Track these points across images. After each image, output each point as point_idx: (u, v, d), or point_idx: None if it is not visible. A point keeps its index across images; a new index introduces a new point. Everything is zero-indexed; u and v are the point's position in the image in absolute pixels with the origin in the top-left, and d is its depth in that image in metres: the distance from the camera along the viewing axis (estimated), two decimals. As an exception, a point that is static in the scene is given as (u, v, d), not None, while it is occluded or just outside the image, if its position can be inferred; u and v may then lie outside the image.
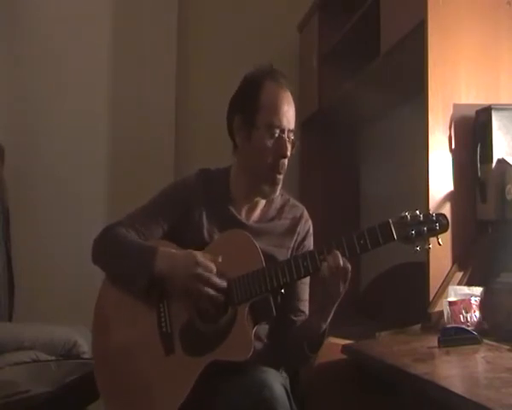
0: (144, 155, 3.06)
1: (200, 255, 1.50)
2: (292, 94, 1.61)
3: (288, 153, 1.58)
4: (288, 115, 1.58)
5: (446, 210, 1.80)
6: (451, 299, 1.73)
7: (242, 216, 1.64)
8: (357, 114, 2.92)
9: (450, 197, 1.84)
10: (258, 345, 1.53)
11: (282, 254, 1.60)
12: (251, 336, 1.45)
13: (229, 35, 3.24)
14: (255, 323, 1.49)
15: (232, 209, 1.63)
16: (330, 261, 1.41)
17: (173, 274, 1.51)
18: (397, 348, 1.63)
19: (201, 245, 1.58)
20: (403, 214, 1.43)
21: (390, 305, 2.25)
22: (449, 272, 1.81)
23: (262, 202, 1.66)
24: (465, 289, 1.76)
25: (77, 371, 2.03)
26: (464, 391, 1.18)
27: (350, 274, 1.42)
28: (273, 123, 1.56)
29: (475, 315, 1.70)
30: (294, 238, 1.65)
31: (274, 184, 1.60)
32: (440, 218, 1.42)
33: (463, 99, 1.87)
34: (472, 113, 1.85)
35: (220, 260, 1.51)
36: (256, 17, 3.24)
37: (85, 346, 2.18)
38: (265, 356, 1.54)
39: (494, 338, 1.60)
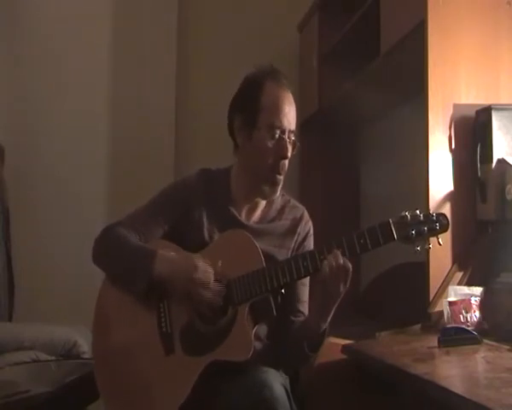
0: (144, 155, 3.06)
1: (199, 260, 1.50)
2: (293, 94, 1.61)
3: (289, 154, 1.58)
4: (289, 116, 1.58)
5: (446, 210, 1.80)
6: (451, 299, 1.73)
7: (243, 217, 1.64)
8: (357, 114, 2.92)
9: (450, 197, 1.84)
10: (259, 345, 1.53)
11: (283, 255, 1.60)
12: (251, 336, 1.45)
13: (229, 35, 3.24)
14: (255, 323, 1.49)
15: (233, 210, 1.63)
16: (331, 260, 1.41)
17: (173, 278, 1.51)
18: (397, 348, 1.63)
19: (201, 245, 1.58)
20: (403, 214, 1.43)
21: (390, 305, 2.25)
22: (449, 272, 1.81)
23: (262, 203, 1.66)
24: (465, 289, 1.76)
25: (77, 371, 2.03)
26: (464, 391, 1.18)
27: (350, 274, 1.42)
28: (274, 124, 1.56)
29: (475, 315, 1.70)
30: (295, 239, 1.65)
31: (274, 184, 1.59)
32: (440, 218, 1.43)
33: (463, 99, 1.87)
34: (472, 113, 1.85)
35: (220, 264, 1.51)
36: (256, 17, 3.24)
37: (85, 346, 2.18)
38: (265, 356, 1.54)
39: (494, 338, 1.60)
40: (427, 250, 1.54)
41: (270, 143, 1.56)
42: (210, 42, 3.26)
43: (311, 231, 1.69)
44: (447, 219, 1.42)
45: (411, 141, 2.19)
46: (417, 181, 1.89)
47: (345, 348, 1.72)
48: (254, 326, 1.48)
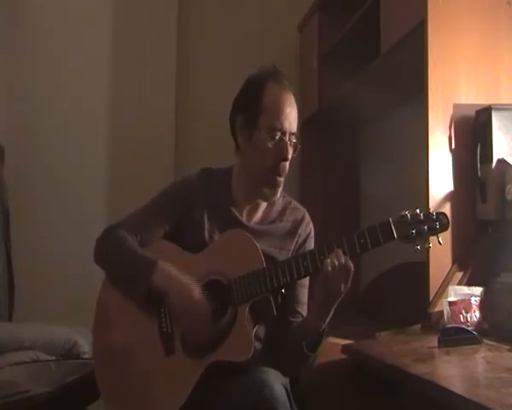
0: (144, 155, 3.06)
1: (196, 290, 1.50)
2: (294, 96, 1.60)
3: (289, 156, 1.57)
4: (290, 118, 1.57)
5: (446, 210, 1.79)
6: (451, 299, 1.73)
7: (244, 217, 1.64)
8: (357, 114, 2.92)
9: (450, 197, 1.84)
10: (259, 345, 1.53)
11: (283, 257, 1.59)
12: (251, 336, 1.45)
13: (229, 35, 3.24)
14: (255, 323, 1.49)
15: (234, 210, 1.63)
16: (333, 259, 1.40)
17: (167, 295, 1.50)
18: (397, 348, 1.63)
19: (202, 245, 1.58)
20: (403, 213, 1.43)
21: (390, 305, 2.25)
22: (449, 272, 1.81)
23: (263, 204, 1.66)
24: (465, 289, 1.76)
25: (77, 371, 2.03)
26: (464, 391, 1.18)
27: (352, 274, 1.42)
28: (275, 126, 1.55)
29: (475, 315, 1.70)
30: (295, 241, 1.65)
31: (274, 186, 1.59)
32: (441, 217, 1.42)
33: (463, 99, 1.87)
34: (472, 113, 1.85)
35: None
36: (256, 17, 3.24)
37: (85, 346, 2.17)
38: (266, 356, 1.54)
39: (494, 338, 1.60)
40: (427, 249, 1.54)
41: (270, 144, 1.56)
42: (210, 42, 3.26)
43: (312, 233, 1.69)
44: (447, 218, 1.42)
45: (411, 141, 2.19)
46: (417, 181, 1.89)
47: (345, 348, 1.72)
48: (254, 326, 1.48)
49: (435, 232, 1.42)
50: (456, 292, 1.76)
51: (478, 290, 1.74)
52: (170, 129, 3.17)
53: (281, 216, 1.67)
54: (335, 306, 1.47)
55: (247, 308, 1.47)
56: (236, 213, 1.63)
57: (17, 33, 2.99)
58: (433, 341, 1.58)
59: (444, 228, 1.42)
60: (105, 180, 3.10)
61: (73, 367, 2.07)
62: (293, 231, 1.65)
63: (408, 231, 1.41)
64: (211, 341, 1.47)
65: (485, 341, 1.58)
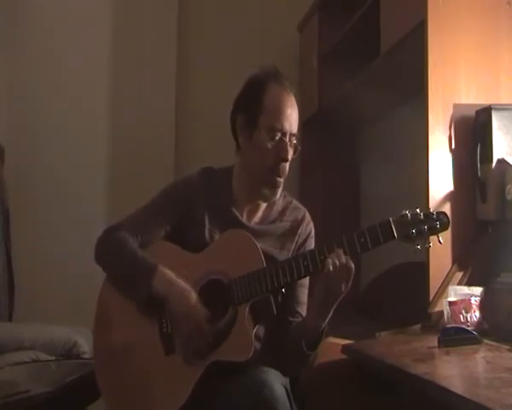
0: (144, 155, 3.06)
1: (195, 299, 1.50)
2: (295, 97, 1.60)
3: (289, 156, 1.57)
4: (291, 119, 1.57)
5: (446, 210, 1.79)
6: (451, 299, 1.73)
7: (244, 217, 1.64)
8: (357, 114, 2.92)
9: (450, 197, 1.84)
10: (259, 345, 1.53)
11: (283, 257, 1.59)
12: (251, 336, 1.45)
13: (229, 35, 3.24)
14: (256, 323, 1.49)
15: (234, 210, 1.63)
16: (334, 259, 1.40)
17: (167, 301, 1.51)
18: (397, 348, 1.63)
19: (202, 245, 1.58)
20: (403, 213, 1.43)
21: (390, 305, 2.25)
22: (449, 271, 1.81)
23: (264, 204, 1.66)
24: (465, 289, 1.76)
25: (77, 371, 2.03)
26: (464, 391, 1.18)
27: (353, 273, 1.42)
28: (275, 126, 1.55)
29: (475, 315, 1.70)
30: (295, 240, 1.65)
31: (274, 187, 1.59)
32: (441, 216, 1.42)
33: (463, 99, 1.87)
34: (472, 113, 1.85)
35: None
36: (256, 17, 3.24)
37: (85, 346, 2.17)
38: (266, 356, 1.54)
39: (494, 338, 1.60)
40: (428, 249, 1.54)
41: (270, 145, 1.56)
42: (210, 42, 3.26)
43: (313, 233, 1.69)
44: (447, 218, 1.42)
45: (411, 141, 2.19)
46: (417, 181, 1.89)
47: (345, 348, 1.72)
48: (255, 326, 1.48)
49: (435, 232, 1.42)
50: (456, 292, 1.76)
51: (478, 290, 1.74)
52: (170, 129, 3.17)
53: (281, 216, 1.66)
54: (335, 305, 1.47)
55: (247, 308, 1.47)
56: (237, 213, 1.63)
57: (17, 33, 2.99)
58: (433, 341, 1.58)
59: (444, 228, 1.42)
60: (105, 180, 3.10)
61: (73, 367, 2.06)
62: (293, 231, 1.65)
63: (408, 230, 1.41)
64: (211, 341, 1.47)
65: (485, 341, 1.58)
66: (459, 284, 1.81)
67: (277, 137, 1.56)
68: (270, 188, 1.59)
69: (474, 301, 1.71)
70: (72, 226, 2.94)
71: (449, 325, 1.66)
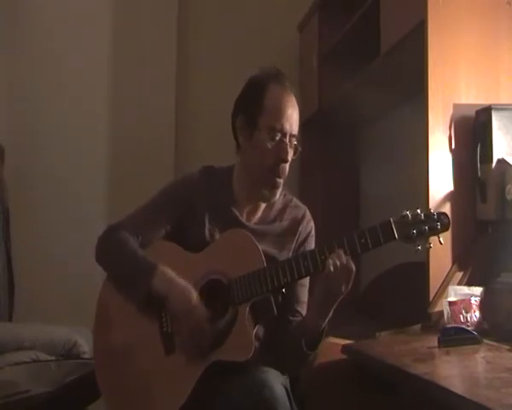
0: (144, 155, 3.06)
1: (195, 297, 1.50)
2: (296, 98, 1.60)
3: (289, 157, 1.57)
4: (291, 119, 1.57)
5: (446, 210, 1.79)
6: (451, 299, 1.73)
7: (244, 218, 1.64)
8: (357, 114, 2.92)
9: (450, 197, 1.84)
10: (259, 345, 1.53)
11: (283, 256, 1.59)
12: (252, 336, 1.45)
13: (229, 35, 3.24)
14: (256, 323, 1.49)
15: (235, 211, 1.63)
16: (335, 260, 1.40)
17: (168, 300, 1.50)
18: (397, 348, 1.63)
19: (202, 244, 1.58)
20: (404, 213, 1.42)
21: (390, 305, 2.25)
22: (449, 272, 1.81)
23: (263, 204, 1.66)
24: (465, 289, 1.76)
25: (77, 371, 2.03)
26: (464, 391, 1.18)
27: (353, 275, 1.42)
28: (275, 127, 1.55)
29: (475, 315, 1.70)
30: (295, 239, 1.64)
31: (274, 187, 1.59)
32: (442, 217, 1.42)
33: (463, 99, 1.87)
34: (472, 113, 1.85)
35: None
36: (256, 17, 3.24)
37: (85, 346, 2.17)
38: (266, 356, 1.54)
39: (494, 338, 1.60)
40: (428, 250, 1.53)
41: (269, 145, 1.56)
42: (210, 42, 3.26)
43: (313, 232, 1.68)
44: (448, 218, 1.42)
45: (411, 141, 2.19)
46: (417, 181, 1.89)
47: (345, 348, 1.72)
48: (255, 326, 1.48)
49: (436, 233, 1.42)
50: (456, 292, 1.76)
51: (478, 290, 1.74)
52: (170, 129, 3.17)
53: (281, 215, 1.66)
54: (335, 306, 1.47)
55: (247, 308, 1.47)
56: (237, 213, 1.63)
57: (17, 33, 2.99)
58: (433, 341, 1.58)
59: (445, 228, 1.42)
60: (105, 180, 3.10)
61: (73, 367, 2.06)
62: (293, 230, 1.65)
63: (409, 231, 1.41)
64: (211, 341, 1.47)
65: (485, 341, 1.58)
66: (459, 284, 1.81)
67: (277, 138, 1.56)
68: (269, 189, 1.59)
69: (474, 301, 1.71)
70: (72, 226, 2.94)
71: (449, 325, 1.66)
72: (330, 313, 1.49)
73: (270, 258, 1.54)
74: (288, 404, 1.37)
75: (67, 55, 3.02)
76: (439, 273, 1.81)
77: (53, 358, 2.11)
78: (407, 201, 1.68)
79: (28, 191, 2.93)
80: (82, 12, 3.06)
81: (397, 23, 2.09)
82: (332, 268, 1.40)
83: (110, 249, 1.62)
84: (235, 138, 1.64)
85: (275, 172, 1.57)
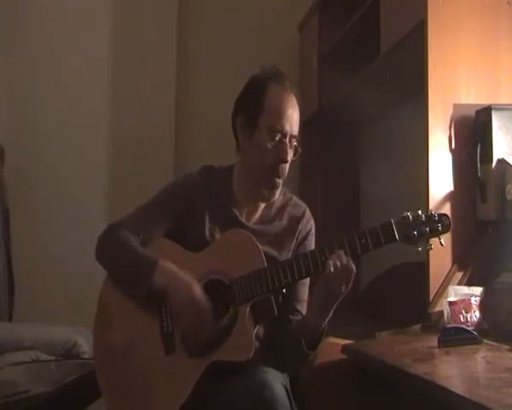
0: (144, 155, 3.06)
1: (197, 288, 1.49)
2: (296, 98, 1.60)
3: (289, 158, 1.57)
4: (292, 120, 1.57)
5: (446, 210, 1.80)
6: (451, 299, 1.73)
7: (243, 218, 1.64)
8: (357, 114, 2.92)
9: (450, 197, 1.84)
10: (259, 345, 1.53)
11: (283, 256, 1.59)
12: (252, 336, 1.45)
13: (229, 35, 3.24)
14: (256, 323, 1.49)
15: (235, 210, 1.63)
16: (335, 260, 1.40)
17: (169, 293, 1.50)
18: (397, 348, 1.63)
19: (202, 244, 1.58)
20: (405, 214, 1.42)
21: (390, 305, 2.25)
22: (449, 272, 1.81)
23: (262, 204, 1.66)
24: (465, 289, 1.76)
25: (77, 371, 2.03)
26: (464, 391, 1.18)
27: (354, 275, 1.42)
28: (275, 127, 1.55)
29: (475, 315, 1.70)
30: (295, 237, 1.64)
31: (273, 188, 1.59)
32: (443, 218, 1.42)
33: (463, 99, 1.87)
34: (472, 113, 1.85)
35: None
36: (256, 17, 3.24)
37: (85, 346, 2.17)
38: (266, 356, 1.54)
39: (494, 338, 1.60)
40: (428, 250, 1.53)
41: (269, 145, 1.56)
42: (210, 42, 3.26)
43: (313, 230, 1.68)
44: (449, 220, 1.42)
45: (411, 141, 2.19)
46: (417, 181, 1.89)
47: (345, 348, 1.72)
48: (255, 326, 1.48)
49: (437, 234, 1.42)
50: (456, 292, 1.76)
51: (478, 290, 1.74)
52: (170, 129, 3.17)
53: (280, 214, 1.66)
54: (335, 306, 1.47)
55: (248, 308, 1.47)
56: (237, 213, 1.63)
57: (17, 33, 2.99)
58: (433, 341, 1.58)
59: (446, 230, 1.42)
60: (105, 180, 3.10)
61: (73, 367, 2.06)
62: (292, 229, 1.65)
63: (410, 232, 1.41)
64: (211, 340, 1.47)
65: (485, 341, 1.58)
66: (459, 284, 1.81)
67: (277, 138, 1.56)
68: (268, 189, 1.59)
69: (474, 301, 1.71)
70: (72, 226, 2.94)
71: (449, 325, 1.66)
72: (330, 313, 1.49)
73: (270, 258, 1.54)
74: (287, 404, 1.37)
75: (67, 55, 3.02)
76: (439, 273, 1.81)
77: (53, 358, 2.11)
78: (407, 201, 1.68)
79: (28, 191, 2.93)
80: (82, 12, 3.06)
81: (397, 23, 2.09)
82: (332, 269, 1.40)
83: (110, 248, 1.62)
84: (236, 138, 1.64)
85: (274, 172, 1.57)
